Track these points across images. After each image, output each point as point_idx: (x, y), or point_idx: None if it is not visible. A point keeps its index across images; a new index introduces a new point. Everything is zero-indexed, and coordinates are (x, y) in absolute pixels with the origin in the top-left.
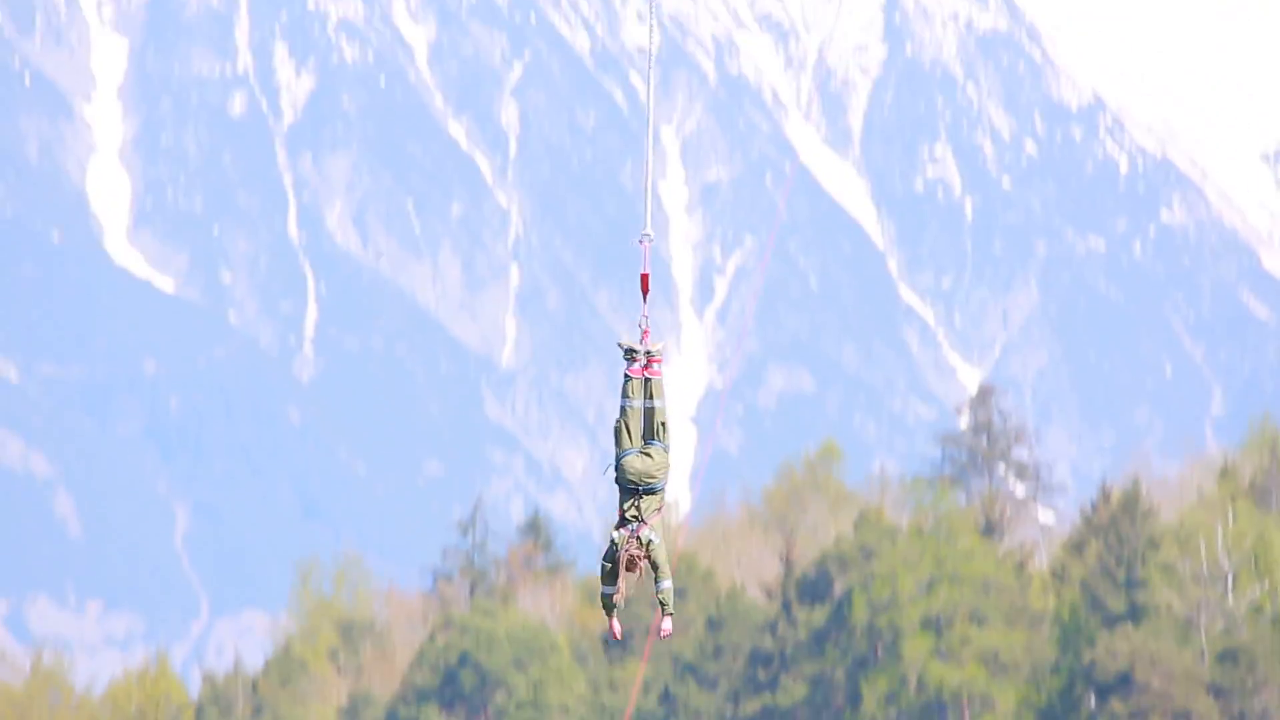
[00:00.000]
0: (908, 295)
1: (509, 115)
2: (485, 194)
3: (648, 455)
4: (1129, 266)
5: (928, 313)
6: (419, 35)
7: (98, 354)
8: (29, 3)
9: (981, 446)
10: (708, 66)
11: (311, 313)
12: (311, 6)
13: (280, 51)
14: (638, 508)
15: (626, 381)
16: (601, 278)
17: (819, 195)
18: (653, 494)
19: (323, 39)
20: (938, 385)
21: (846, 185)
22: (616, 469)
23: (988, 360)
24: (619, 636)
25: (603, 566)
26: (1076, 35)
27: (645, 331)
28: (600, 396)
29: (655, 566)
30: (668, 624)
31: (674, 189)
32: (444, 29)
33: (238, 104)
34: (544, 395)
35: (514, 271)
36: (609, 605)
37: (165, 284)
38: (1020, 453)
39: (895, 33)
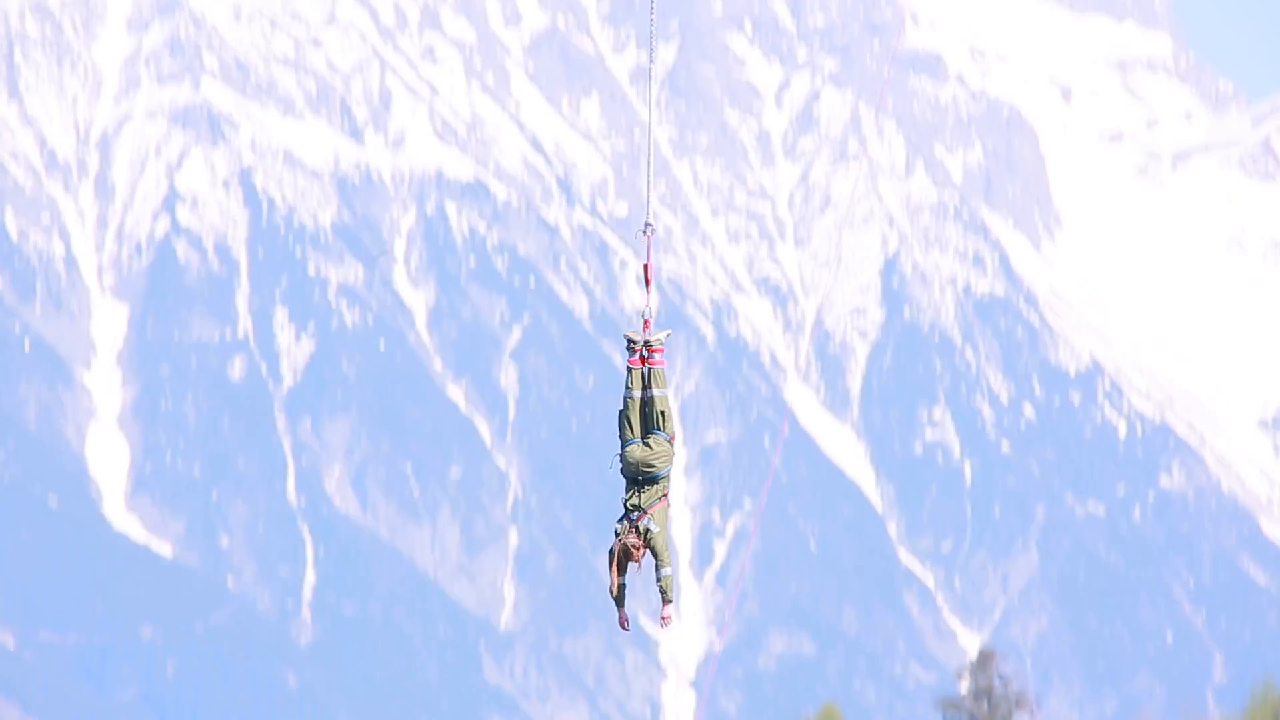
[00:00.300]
0: (907, 559)
1: (508, 378)
2: (484, 457)
3: (648, 445)
4: (1129, 532)
5: (928, 576)
6: (419, 299)
7: (95, 620)
8: (30, 269)
9: (983, 712)
10: (706, 329)
11: (310, 577)
12: (312, 271)
13: (280, 316)
14: (639, 497)
15: (628, 373)
16: (601, 540)
17: (818, 458)
18: (654, 483)
19: (323, 303)
20: (938, 649)
21: (845, 448)
22: (620, 460)
23: (988, 624)
24: (627, 627)
25: (610, 559)
26: (1074, 301)
27: (647, 322)
28: (600, 659)
29: (655, 554)
30: (668, 611)
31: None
32: (444, 293)
33: (237, 368)
34: (543, 659)
35: (513, 534)
36: (616, 598)
37: (163, 549)
38: (1021, 718)
39: (893, 296)
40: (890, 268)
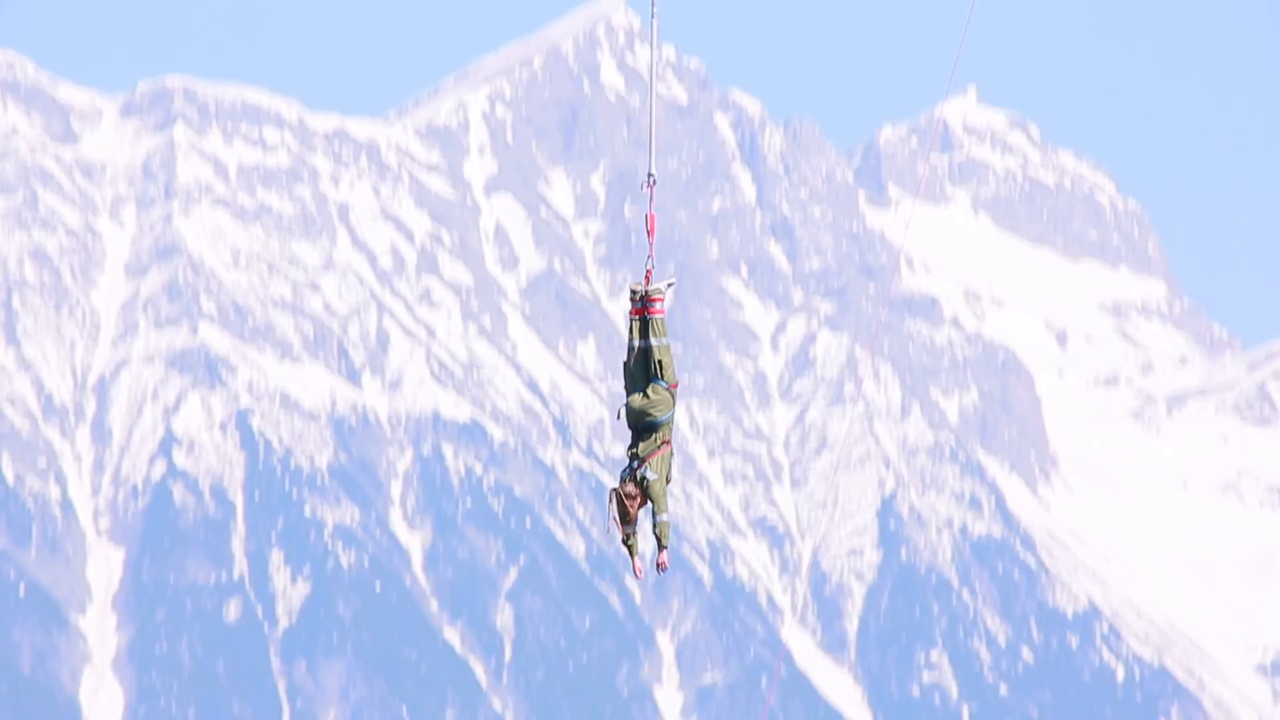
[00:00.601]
0: None
1: (504, 619)
2: (480, 698)
3: (647, 395)
4: None
5: None
6: (415, 540)
7: None
8: (26, 513)
9: None
10: (703, 570)
11: None
12: (308, 513)
13: (276, 558)
14: (638, 446)
15: (630, 324)
16: None
17: (815, 700)
18: (653, 429)
19: (319, 545)
20: None
21: (843, 690)
22: (624, 410)
23: None
24: (641, 575)
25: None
26: (1071, 544)
27: (649, 273)
28: None
29: (652, 500)
30: (664, 557)
31: (669, 694)
32: (440, 534)
33: (232, 611)
34: None
35: None
36: (627, 545)
37: None
38: None
39: (890, 538)
40: (887, 509)
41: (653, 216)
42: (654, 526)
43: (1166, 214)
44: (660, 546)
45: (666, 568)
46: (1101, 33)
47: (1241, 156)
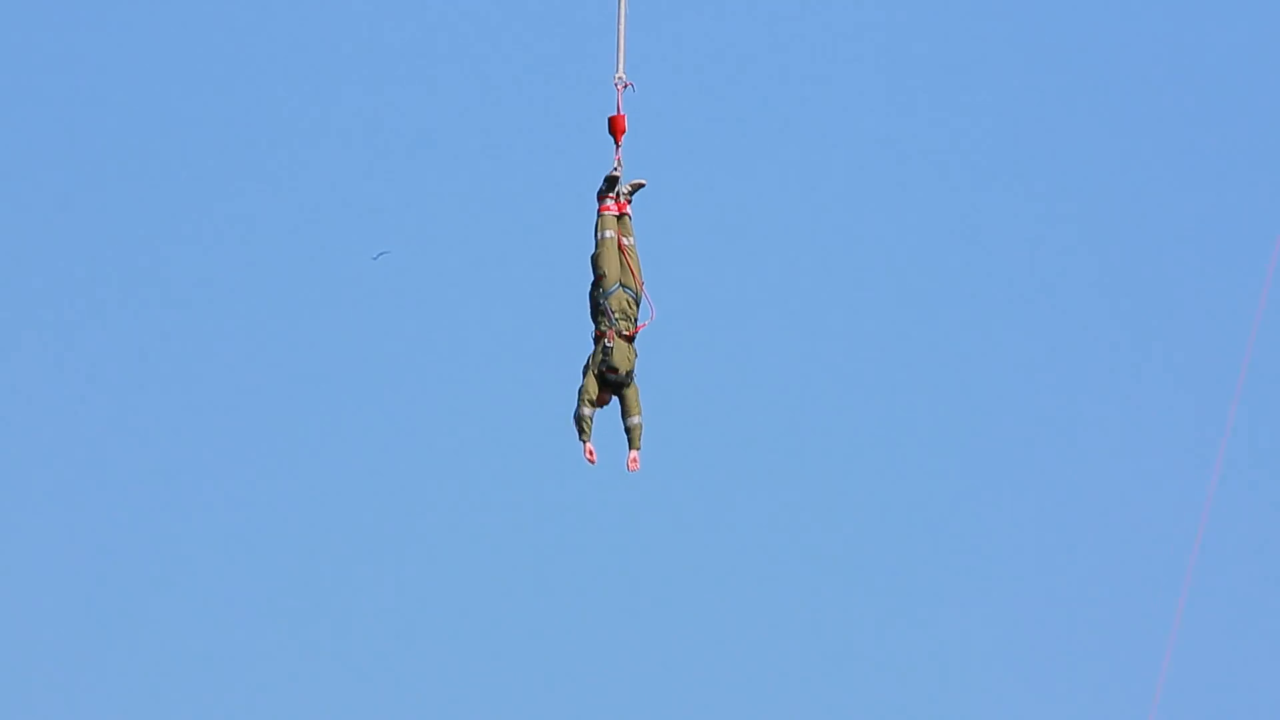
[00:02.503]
0: None
1: None
2: None
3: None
4: None
5: None
6: None
7: None
8: None
9: None
10: None
11: None
12: None
13: None
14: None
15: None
16: None
17: None
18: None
19: None
20: None
21: None
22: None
23: None
24: (594, 460)
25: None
26: None
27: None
28: None
29: (623, 404)
30: (636, 456)
31: None
32: None
33: None
34: None
35: None
36: (580, 424)
37: None
38: None
39: None
40: None
41: (621, 117)
42: (626, 426)
43: None
44: (633, 445)
45: (638, 468)
46: None
47: None
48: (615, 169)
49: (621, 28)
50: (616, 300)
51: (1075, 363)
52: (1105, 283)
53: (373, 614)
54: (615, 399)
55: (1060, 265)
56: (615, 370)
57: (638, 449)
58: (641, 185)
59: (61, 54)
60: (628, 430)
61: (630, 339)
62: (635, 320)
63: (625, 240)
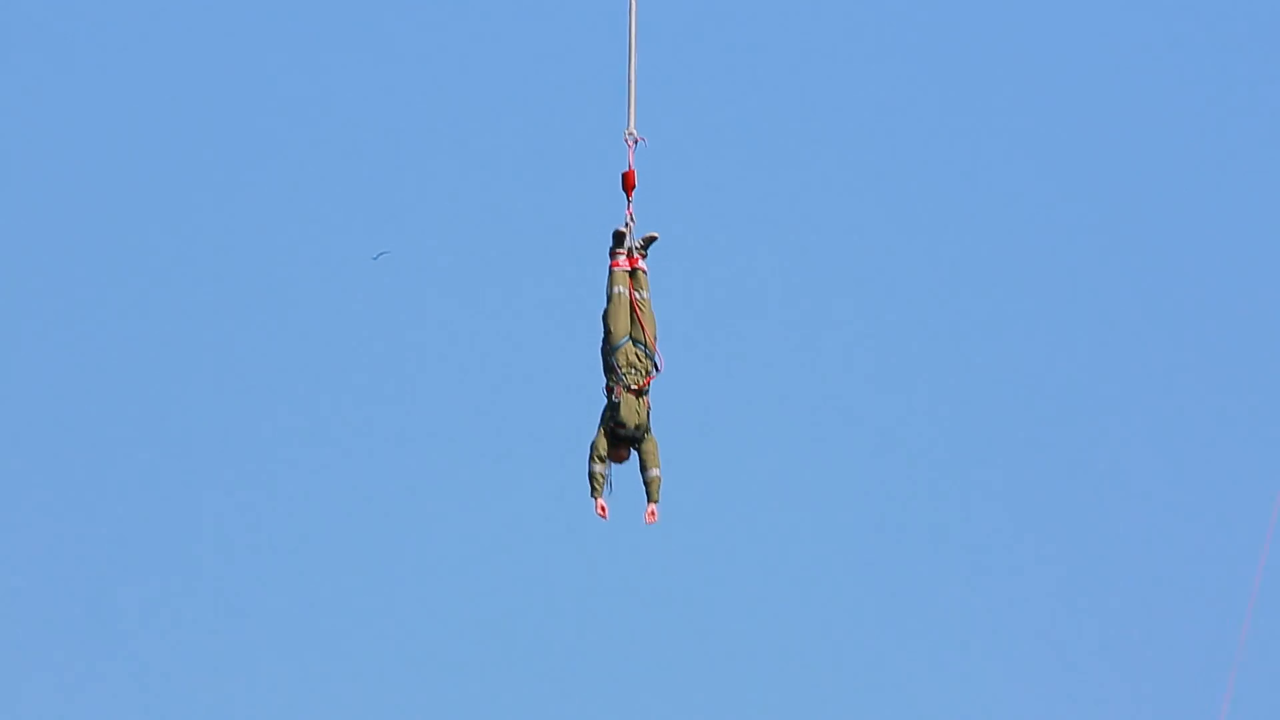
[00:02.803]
0: None
1: None
2: None
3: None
4: None
5: None
6: None
7: None
8: None
9: None
10: None
11: None
12: None
13: None
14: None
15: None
16: None
17: None
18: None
19: None
20: None
21: None
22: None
23: None
24: (606, 516)
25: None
26: None
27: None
28: None
29: (641, 458)
30: (655, 509)
31: None
32: None
33: None
34: None
35: None
36: (594, 480)
37: None
38: None
39: None
40: None
41: (633, 172)
42: (645, 479)
43: None
44: (651, 498)
45: (656, 520)
46: None
47: None
48: (626, 224)
49: (632, 83)
50: (623, 354)
51: (1140, 378)
52: (1153, 289)
53: (381, 682)
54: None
55: (1111, 276)
56: (623, 425)
57: (656, 502)
58: (654, 238)
59: (60, 53)
60: (645, 483)
61: (639, 393)
62: (646, 373)
63: (637, 295)
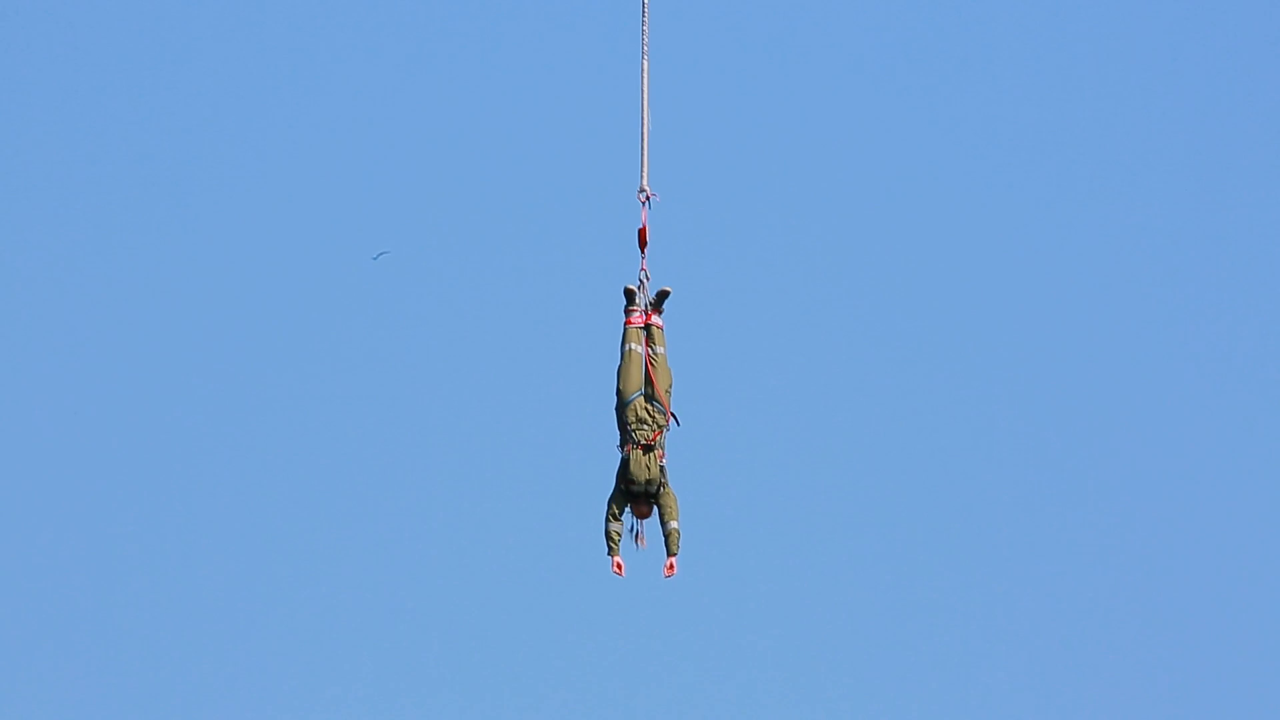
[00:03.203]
0: None
1: None
2: None
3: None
4: None
5: None
6: None
7: None
8: None
9: None
10: None
11: None
12: None
13: None
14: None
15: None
16: None
17: None
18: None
19: None
20: None
21: None
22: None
23: None
24: (623, 574)
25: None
26: None
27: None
28: None
29: (661, 510)
30: (674, 563)
31: None
32: None
33: None
34: None
35: None
36: (610, 538)
37: None
38: None
39: None
40: None
41: (646, 228)
42: (664, 533)
43: None
44: (670, 552)
45: (674, 574)
46: None
47: None
48: (639, 281)
49: (645, 141)
50: (633, 410)
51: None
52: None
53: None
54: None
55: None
56: (633, 481)
57: (674, 555)
58: (667, 293)
59: (58, 52)
60: (665, 536)
61: (648, 448)
62: (657, 427)
63: (651, 351)
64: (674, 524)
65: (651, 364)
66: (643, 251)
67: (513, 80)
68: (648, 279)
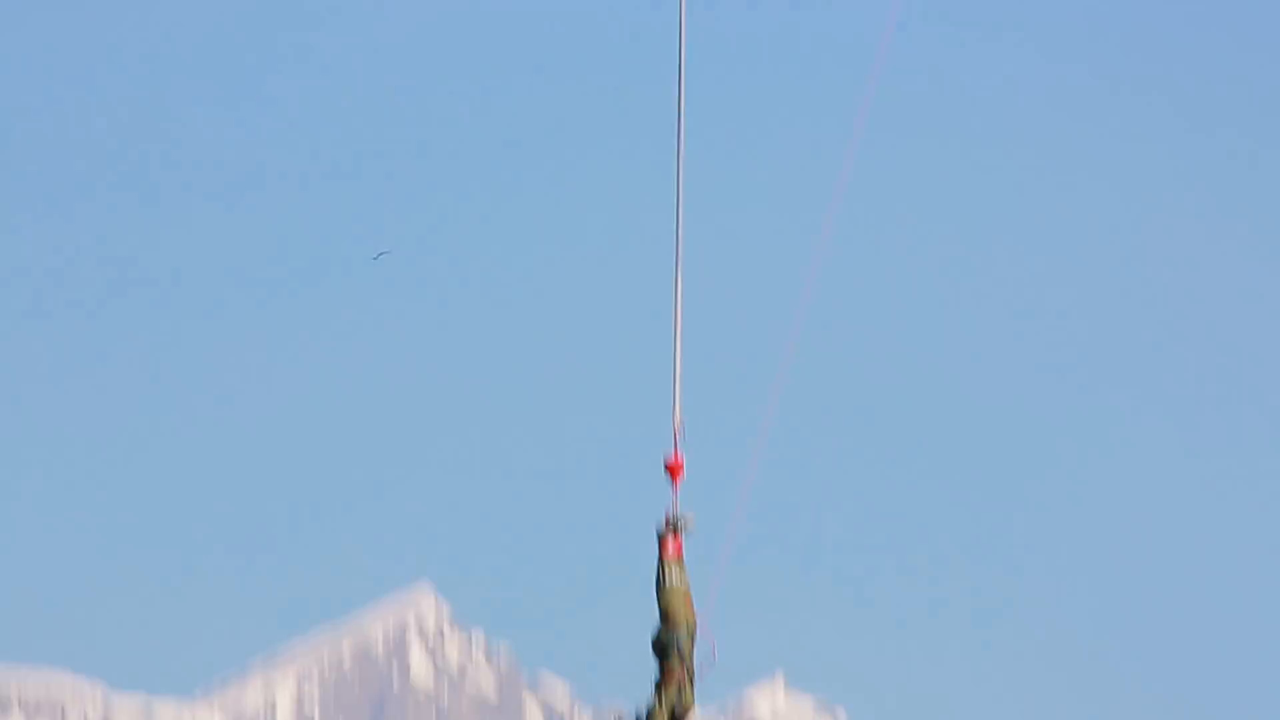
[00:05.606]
0: None
1: None
2: None
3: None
4: None
5: None
6: None
7: None
8: None
9: None
10: None
11: None
12: None
13: None
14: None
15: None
16: None
17: None
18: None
19: None
20: None
21: None
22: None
23: None
24: None
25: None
26: None
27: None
28: None
29: None
30: None
31: None
32: None
33: None
34: None
35: None
36: None
37: None
38: None
39: None
40: None
41: (677, 468)
42: None
43: None
44: None
45: None
46: (909, 625)
47: None
48: (671, 515)
49: (680, 256)
50: (686, 646)
51: None
52: None
53: None
54: None
55: None
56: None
57: None
58: (688, 524)
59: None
60: None
61: (692, 683)
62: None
63: (685, 585)
64: None
65: (688, 600)
66: (675, 484)
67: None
68: (682, 515)
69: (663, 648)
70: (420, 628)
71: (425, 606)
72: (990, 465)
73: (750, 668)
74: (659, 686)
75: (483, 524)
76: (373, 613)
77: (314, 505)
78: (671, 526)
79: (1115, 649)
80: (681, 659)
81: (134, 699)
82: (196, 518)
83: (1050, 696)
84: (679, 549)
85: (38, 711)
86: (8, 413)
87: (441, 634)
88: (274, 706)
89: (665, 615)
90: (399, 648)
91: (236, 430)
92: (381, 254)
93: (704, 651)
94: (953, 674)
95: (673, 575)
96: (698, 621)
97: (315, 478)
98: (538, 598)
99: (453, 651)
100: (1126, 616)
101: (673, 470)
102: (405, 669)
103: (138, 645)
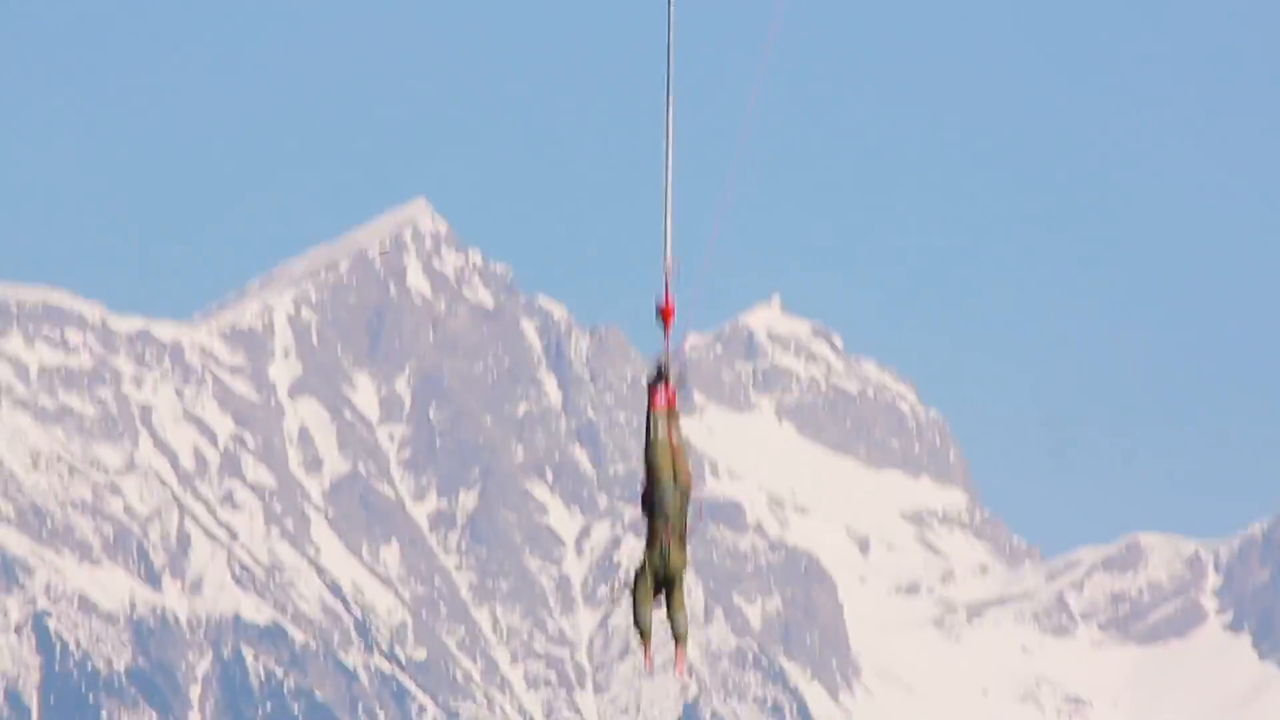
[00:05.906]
0: None
1: None
2: None
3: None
4: None
5: None
6: None
7: None
8: None
9: None
10: None
11: None
12: (105, 717)
13: None
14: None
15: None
16: None
17: None
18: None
19: None
20: None
21: None
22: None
23: None
24: (652, 670)
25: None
26: None
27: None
28: None
29: (669, 599)
30: (684, 662)
31: None
32: None
33: None
34: None
35: None
36: (642, 631)
37: None
38: None
39: None
40: (689, 714)
41: (669, 310)
42: (674, 625)
43: (967, 425)
44: (681, 645)
45: (684, 672)
46: (904, 247)
47: (1039, 368)
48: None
49: (669, 189)
50: (672, 504)
51: None
52: None
53: None
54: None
55: None
56: (671, 569)
57: (684, 647)
58: (682, 377)
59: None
60: (678, 627)
61: (682, 542)
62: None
63: (675, 439)
64: (684, 614)
65: (679, 453)
66: (666, 330)
67: None
68: (671, 357)
69: (650, 505)
70: (417, 242)
71: (422, 224)
72: (991, 89)
73: (746, 291)
74: (647, 547)
75: (479, 141)
76: (369, 227)
77: (308, 122)
78: (663, 375)
79: (1116, 291)
80: (667, 518)
81: (131, 320)
82: (194, 138)
83: (1046, 330)
84: (672, 399)
85: (37, 331)
86: (9, 28)
87: (439, 247)
88: (271, 322)
89: (649, 469)
90: (395, 261)
91: (231, 48)
92: (384, 253)
93: (694, 512)
94: (951, 306)
95: (659, 428)
96: (690, 478)
97: (311, 94)
98: (535, 219)
99: (449, 269)
100: (1119, 241)
101: (665, 314)
102: (402, 281)
103: (136, 267)
